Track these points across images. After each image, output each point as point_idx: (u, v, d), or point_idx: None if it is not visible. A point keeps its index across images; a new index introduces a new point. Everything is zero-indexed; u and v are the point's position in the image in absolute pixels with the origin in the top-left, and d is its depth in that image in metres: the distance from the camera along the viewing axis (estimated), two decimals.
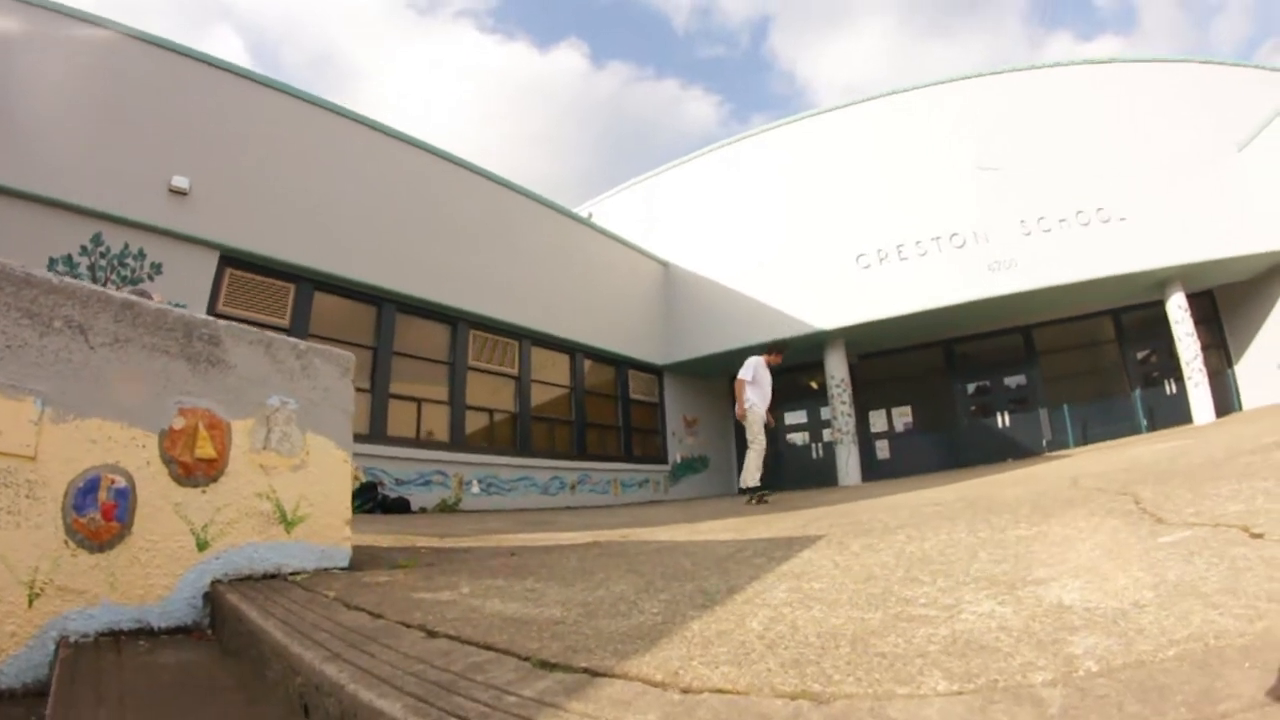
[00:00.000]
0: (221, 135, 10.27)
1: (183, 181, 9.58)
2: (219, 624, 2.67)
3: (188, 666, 2.25)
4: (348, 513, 3.28)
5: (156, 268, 9.18)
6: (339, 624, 2.10)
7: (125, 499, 2.61)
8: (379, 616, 2.22)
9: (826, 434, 19.03)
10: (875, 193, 16.61)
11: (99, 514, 2.55)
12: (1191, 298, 14.91)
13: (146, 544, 2.63)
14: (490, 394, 14.00)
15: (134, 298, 2.84)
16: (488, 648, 1.79)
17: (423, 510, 11.12)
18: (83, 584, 2.49)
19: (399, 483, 11.20)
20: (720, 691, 1.33)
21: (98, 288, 2.74)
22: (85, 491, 2.54)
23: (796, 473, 19.01)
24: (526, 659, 1.65)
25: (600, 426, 16.81)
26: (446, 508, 11.66)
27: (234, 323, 3.08)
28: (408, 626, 2.07)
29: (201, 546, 2.75)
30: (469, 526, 7.62)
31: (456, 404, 13.00)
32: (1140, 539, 2.54)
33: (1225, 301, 16.16)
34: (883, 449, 18.68)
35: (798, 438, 20.48)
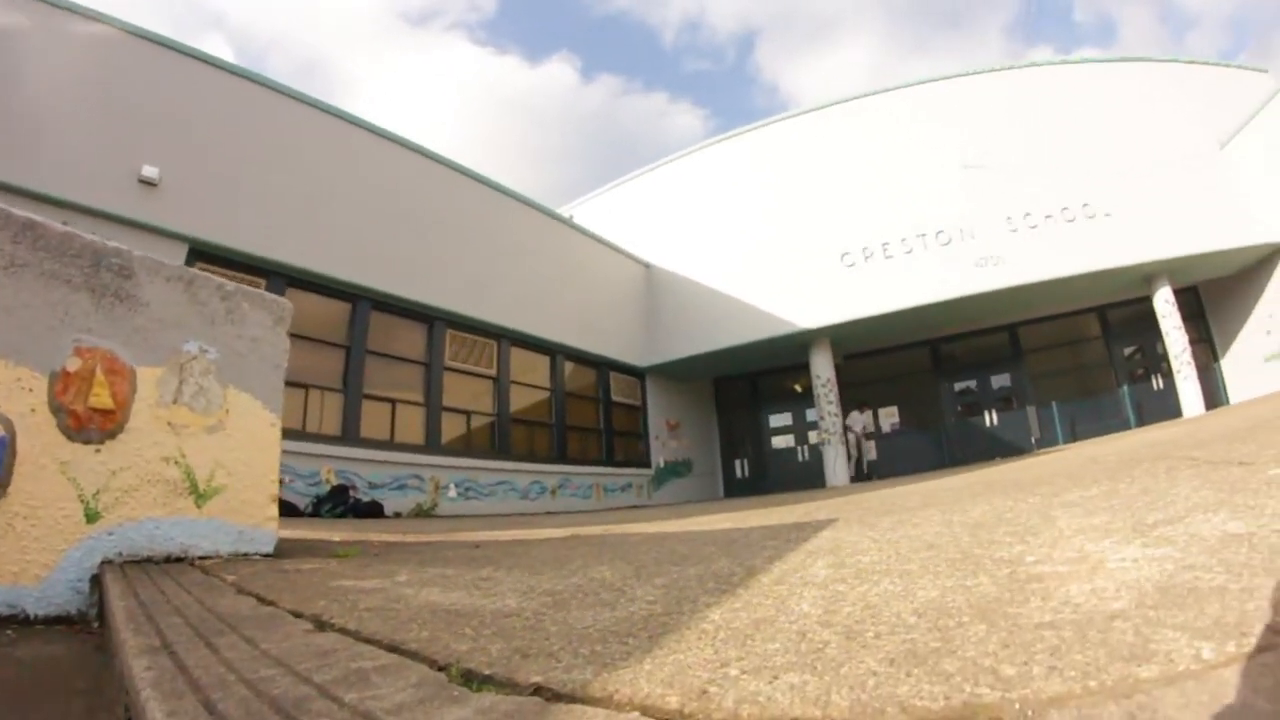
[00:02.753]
0: (194, 126, 9.90)
1: (152, 172, 9.19)
2: (105, 613, 2.21)
3: (46, 664, 1.84)
4: (274, 488, 2.84)
5: None
6: (211, 611, 1.69)
7: (1, 452, 2.19)
8: (269, 603, 1.80)
9: (812, 436, 18.73)
10: (860, 191, 16.46)
11: None
12: (1178, 293, 14.88)
13: (24, 510, 2.20)
14: (468, 395, 13.60)
15: (38, 219, 2.45)
16: (392, 649, 1.37)
17: (397, 515, 10.71)
18: None
19: (372, 486, 10.78)
20: None
21: None
22: None
23: (782, 476, 18.68)
24: (443, 668, 1.22)
25: (581, 430, 16.43)
26: (422, 512, 11.24)
27: (139, 234, 2.68)
28: (298, 616, 1.67)
29: (91, 518, 2.31)
30: (440, 527, 7.22)
31: (433, 405, 12.59)
32: (1240, 479, 2.31)
33: (1210, 297, 16.13)
34: (869, 450, 18.39)
35: (782, 441, 20.14)
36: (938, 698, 0.91)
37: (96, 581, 2.30)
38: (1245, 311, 14.98)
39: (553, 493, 14.46)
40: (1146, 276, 14.73)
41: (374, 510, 10.21)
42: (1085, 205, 14.39)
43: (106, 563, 2.32)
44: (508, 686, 1.11)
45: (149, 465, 2.52)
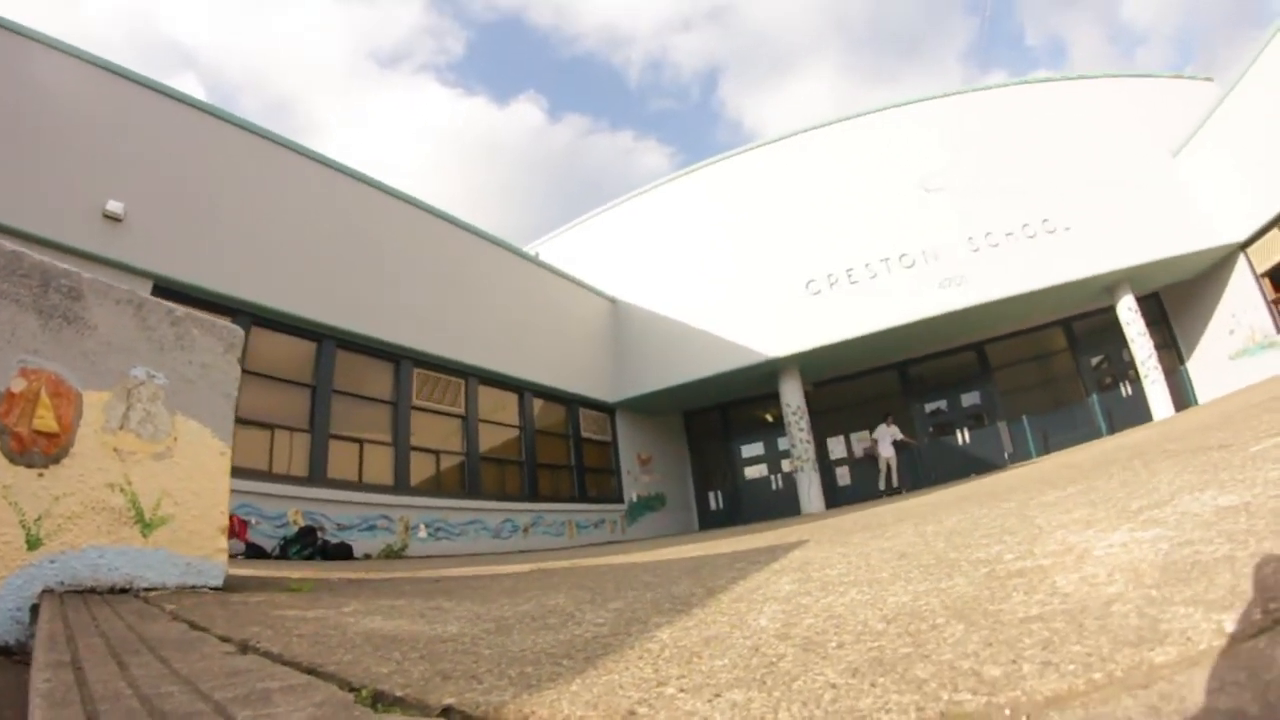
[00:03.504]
0: (162, 162, 9.80)
1: (117, 207, 9.03)
2: None
3: None
4: (223, 519, 2.72)
5: None
6: (137, 634, 1.60)
7: None
8: (200, 629, 1.72)
9: (785, 465, 18.70)
10: (822, 220, 16.66)
11: None
12: (1140, 300, 15.22)
13: None
14: (437, 435, 13.41)
15: None
16: (310, 671, 1.29)
17: (366, 556, 10.46)
18: None
19: (341, 528, 10.54)
20: None
21: None
22: None
23: (756, 506, 18.60)
24: (355, 689, 1.15)
25: (552, 467, 16.25)
26: (392, 553, 10.99)
27: (100, 269, 2.59)
28: (224, 640, 1.59)
29: (33, 544, 2.21)
30: (408, 567, 7.06)
31: (400, 445, 12.39)
32: (1222, 459, 2.30)
33: (1172, 302, 16.52)
34: (844, 475, 18.41)
35: (755, 471, 20.08)
36: (907, 709, 0.82)
37: (36, 612, 2.18)
38: (1207, 313, 15.34)
39: (525, 531, 14.24)
40: (1109, 286, 15.06)
41: (343, 552, 9.97)
42: (1045, 221, 14.71)
43: (47, 592, 2.20)
44: (416, 709, 1.05)
45: (93, 492, 2.42)
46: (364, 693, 1.13)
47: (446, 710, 1.02)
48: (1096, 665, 0.82)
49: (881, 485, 15.88)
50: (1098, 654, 0.86)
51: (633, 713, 0.95)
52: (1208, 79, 15.79)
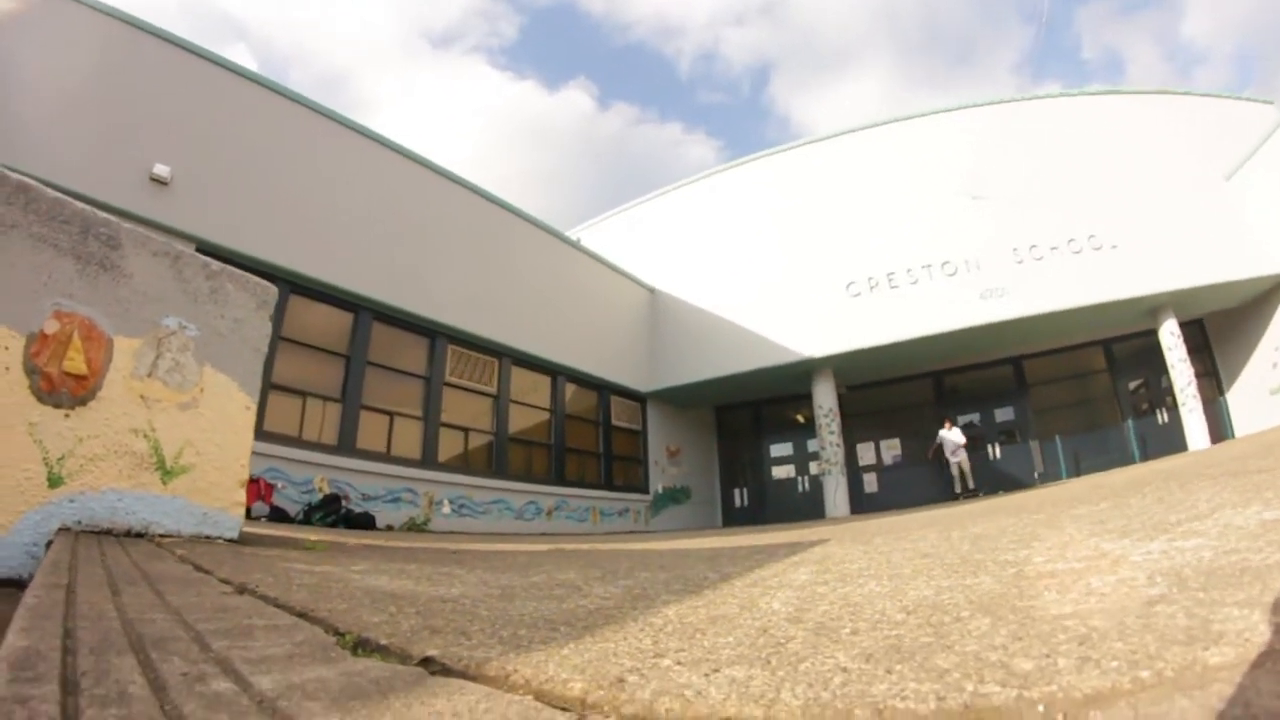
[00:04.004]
0: (208, 128, 9.97)
1: (164, 170, 9.22)
2: None
3: None
4: (243, 472, 2.72)
5: None
6: (140, 570, 1.59)
7: None
8: (204, 571, 1.71)
9: (813, 467, 18.54)
10: (867, 221, 16.46)
11: None
12: (1183, 325, 14.76)
13: None
14: (467, 412, 13.48)
15: (32, 182, 2.40)
16: (300, 615, 1.27)
17: (389, 528, 10.54)
18: None
19: (366, 498, 10.65)
20: None
21: None
22: None
23: (781, 507, 18.48)
24: (341, 634, 1.12)
25: (580, 452, 16.26)
26: (414, 527, 11.08)
27: (140, 227, 2.61)
28: (225, 583, 1.58)
29: (54, 482, 2.23)
30: (428, 539, 7.10)
31: (431, 420, 12.47)
32: (1264, 482, 2.23)
33: (1215, 330, 15.99)
34: (870, 482, 18.18)
35: (783, 471, 19.94)
36: (926, 698, 0.75)
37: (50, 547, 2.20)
38: (1251, 344, 14.83)
39: (548, 514, 14.28)
40: (1152, 309, 14.65)
41: (366, 522, 10.06)
42: (1091, 237, 14.36)
43: (63, 530, 2.22)
44: (396, 656, 1.01)
45: (117, 436, 2.43)
46: (348, 638, 1.11)
47: (426, 660, 0.99)
48: (1143, 663, 0.75)
49: (957, 489, 15.21)
50: (1143, 652, 0.79)
51: (621, 680, 0.91)
52: (1268, 101, 15.22)
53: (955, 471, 15.31)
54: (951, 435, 15.43)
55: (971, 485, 15.10)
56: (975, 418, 17.90)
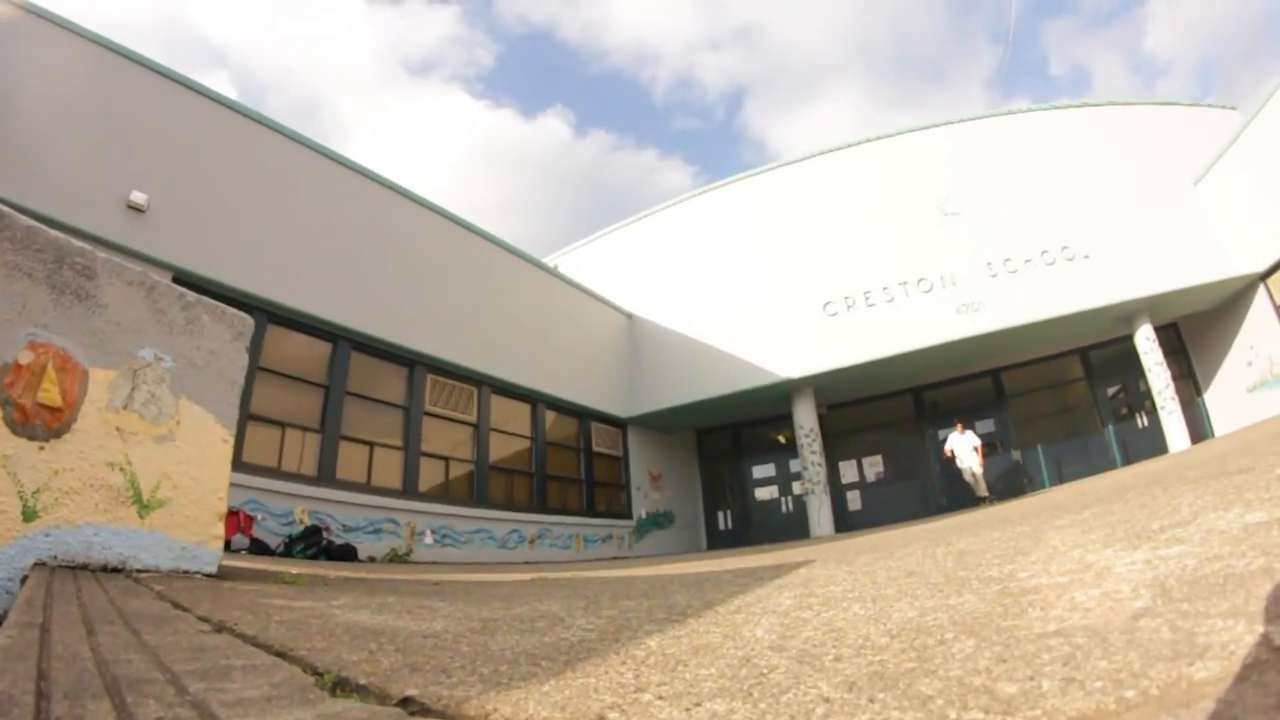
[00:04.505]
0: (185, 156, 9.89)
1: (141, 198, 9.12)
2: None
3: None
4: (221, 506, 2.69)
5: None
6: (116, 608, 1.55)
7: None
8: (181, 609, 1.68)
9: (796, 487, 18.55)
10: (842, 241, 16.62)
11: None
12: (1158, 330, 15.01)
13: None
14: (447, 442, 13.39)
15: (5, 209, 2.37)
16: (279, 654, 1.25)
17: (371, 559, 10.41)
18: None
19: (347, 529, 10.52)
20: None
21: None
22: None
23: (765, 528, 18.46)
24: (319, 674, 1.11)
25: (562, 479, 16.17)
26: (397, 558, 10.94)
27: (116, 256, 2.58)
28: (202, 621, 1.54)
29: (29, 516, 2.18)
30: (411, 570, 7.02)
31: (411, 450, 12.37)
32: (1245, 482, 2.24)
33: (1190, 333, 16.28)
34: (854, 500, 18.22)
35: (766, 492, 19.93)
36: None
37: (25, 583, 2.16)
38: (1226, 345, 15.11)
39: (531, 542, 14.16)
40: (1127, 315, 14.89)
41: (347, 553, 9.93)
42: (1064, 248, 14.59)
43: (39, 565, 2.18)
44: (375, 697, 1.00)
45: (93, 469, 2.40)
46: (327, 677, 1.09)
47: (405, 701, 0.97)
48: (1128, 682, 0.75)
49: (981, 492, 14.53)
50: (1128, 670, 0.78)
51: (602, 717, 0.90)
52: (1232, 107, 15.59)
53: (969, 478, 14.86)
54: (963, 439, 14.96)
55: (984, 493, 14.52)
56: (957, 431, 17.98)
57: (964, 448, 14.95)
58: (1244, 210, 13.60)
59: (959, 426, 15.34)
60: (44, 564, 2.19)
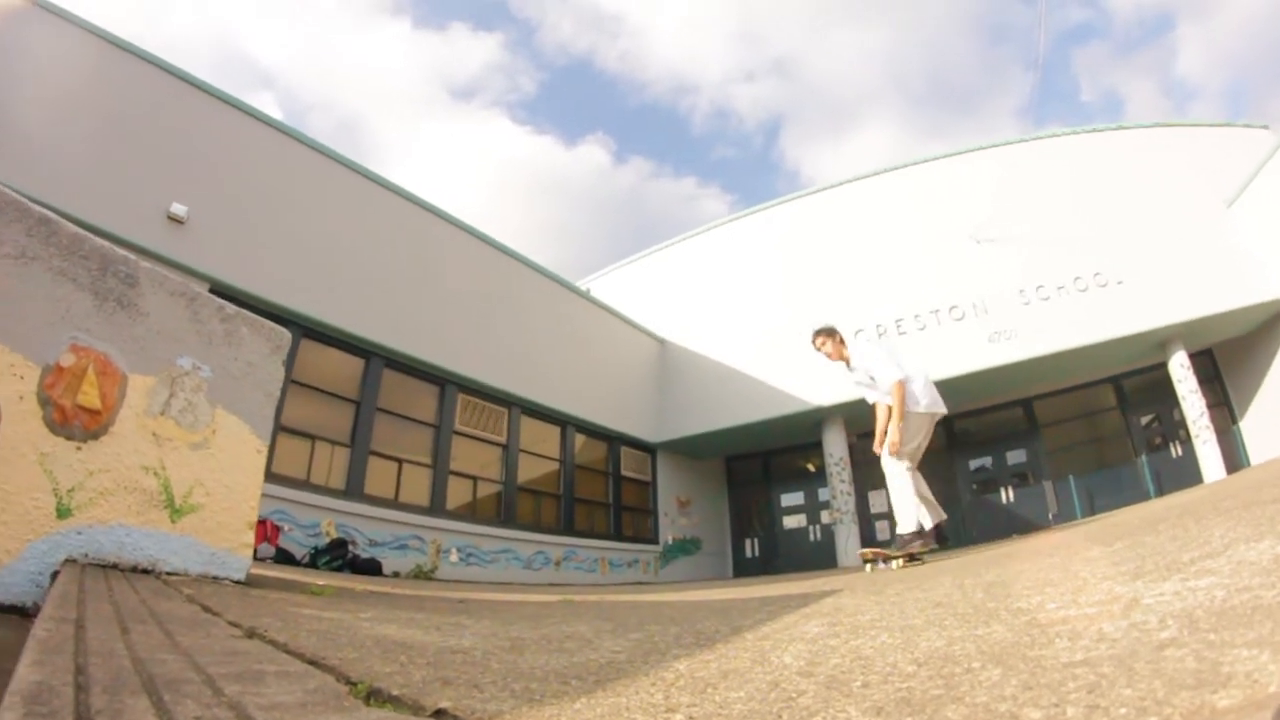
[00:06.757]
0: (226, 170, 10.18)
1: (181, 209, 9.37)
2: None
3: None
4: (252, 514, 2.75)
5: None
6: (148, 608, 1.58)
7: None
8: (212, 613, 1.70)
9: (824, 516, 18.35)
10: (873, 268, 16.53)
11: None
12: (1193, 356, 14.58)
13: None
14: (476, 461, 13.46)
15: (53, 216, 2.46)
16: (311, 662, 1.26)
17: (395, 574, 10.46)
18: None
19: (373, 544, 10.59)
20: None
21: (16, 195, 2.35)
22: None
23: (792, 556, 18.25)
24: (352, 683, 1.11)
25: (589, 503, 16.16)
26: (421, 574, 10.98)
27: (159, 267, 2.66)
28: (233, 625, 1.56)
29: (62, 514, 2.26)
30: (436, 587, 7.04)
31: (440, 468, 12.45)
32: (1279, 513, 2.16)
33: (1225, 359, 15.80)
34: (883, 530, 17.96)
35: (794, 520, 19.74)
36: None
37: (56, 578, 2.21)
38: (1262, 371, 14.63)
39: (557, 564, 14.15)
40: (1161, 342, 14.53)
41: (372, 568, 10.00)
42: (1097, 274, 14.30)
43: (70, 561, 2.24)
44: (410, 708, 1.00)
45: (127, 471, 2.47)
46: (360, 687, 1.09)
47: (440, 713, 0.98)
48: (1151, 709, 0.74)
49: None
50: (1151, 698, 0.78)
51: None
52: (1263, 126, 15.16)
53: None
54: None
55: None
56: (987, 461, 17.75)
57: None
58: (1278, 230, 13.25)
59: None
60: (74, 561, 2.25)
